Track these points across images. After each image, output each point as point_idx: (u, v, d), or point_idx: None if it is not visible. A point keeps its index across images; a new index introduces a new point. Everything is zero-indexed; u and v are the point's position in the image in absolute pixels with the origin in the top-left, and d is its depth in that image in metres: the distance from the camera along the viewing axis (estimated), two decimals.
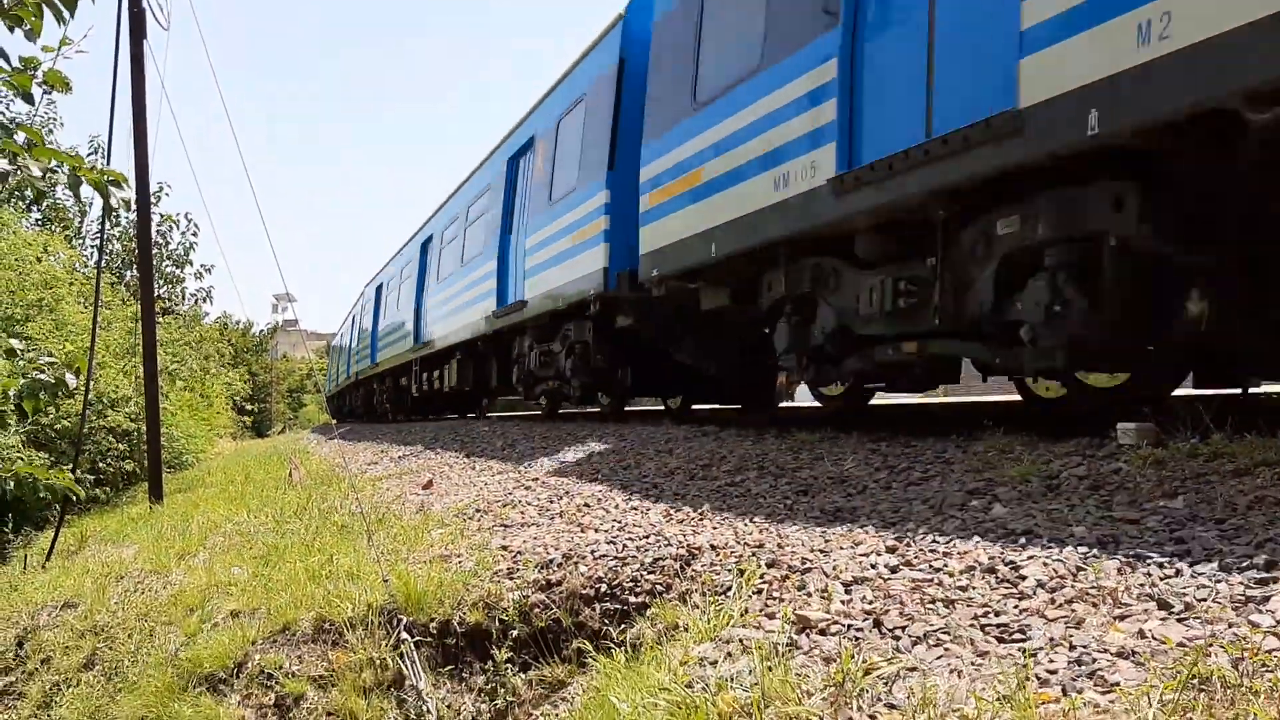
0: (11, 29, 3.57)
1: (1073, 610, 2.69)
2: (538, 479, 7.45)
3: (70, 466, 13.54)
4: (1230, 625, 2.39)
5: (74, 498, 4.81)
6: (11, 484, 4.05)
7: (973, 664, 2.55)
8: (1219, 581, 2.64)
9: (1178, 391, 6.84)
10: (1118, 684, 2.23)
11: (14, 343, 4.38)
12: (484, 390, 17.55)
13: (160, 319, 20.96)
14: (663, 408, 15.06)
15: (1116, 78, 4.05)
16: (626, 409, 13.96)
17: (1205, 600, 2.56)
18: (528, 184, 13.21)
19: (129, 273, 30.87)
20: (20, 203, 25.54)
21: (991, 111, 4.69)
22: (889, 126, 5.60)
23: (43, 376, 4.04)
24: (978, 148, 4.77)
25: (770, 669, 2.79)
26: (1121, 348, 5.02)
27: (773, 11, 6.87)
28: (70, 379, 4.10)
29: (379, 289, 27.10)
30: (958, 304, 5.46)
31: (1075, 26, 4.27)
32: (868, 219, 5.89)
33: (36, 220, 30.05)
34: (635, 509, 5.50)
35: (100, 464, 18.13)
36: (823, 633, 3.03)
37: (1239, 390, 5.64)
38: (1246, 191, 4.33)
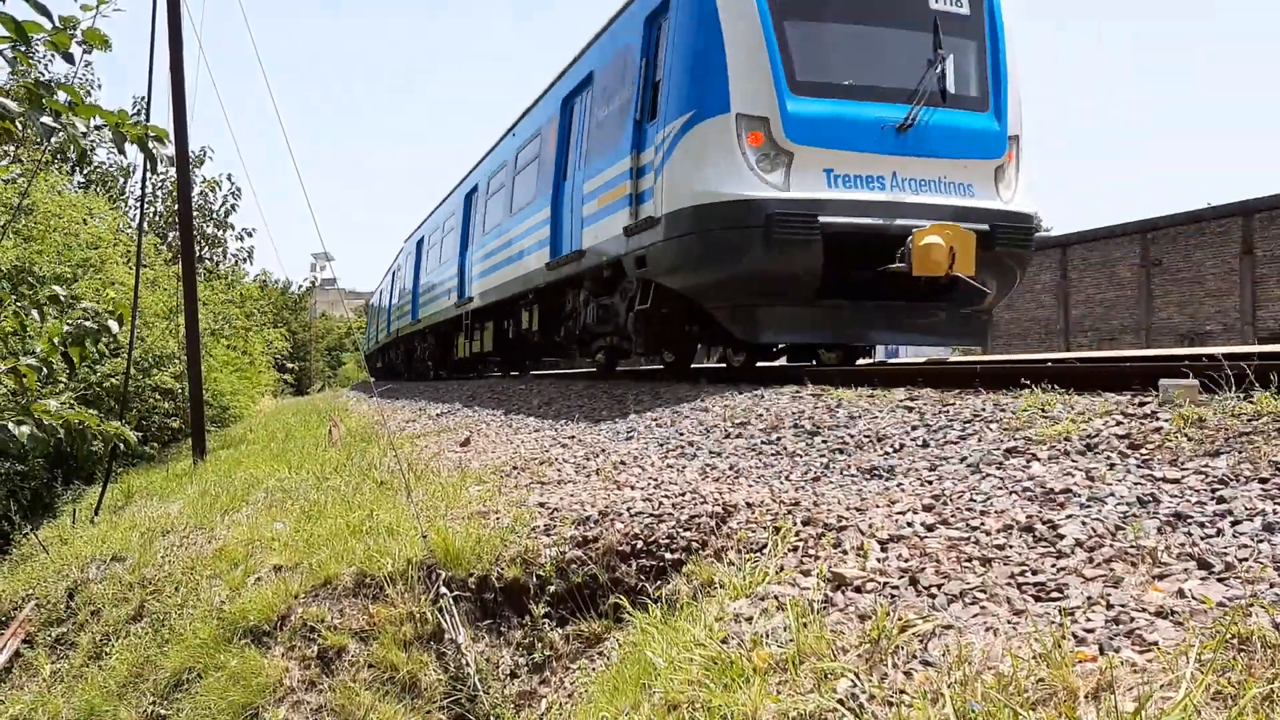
0: None
1: (1111, 569, 2.68)
2: (574, 436, 7.48)
3: (117, 423, 13.82)
4: (1272, 585, 2.36)
5: (124, 447, 4.85)
6: (62, 432, 4.06)
7: (1009, 622, 2.54)
8: (1261, 541, 2.61)
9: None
10: (1156, 643, 2.21)
11: (57, 288, 4.41)
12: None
13: (202, 277, 21.16)
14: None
15: None
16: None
17: (1247, 560, 2.53)
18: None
19: (172, 234, 31.22)
20: (64, 164, 25.82)
21: None
22: None
23: (87, 323, 4.06)
24: None
25: (805, 626, 2.81)
26: None
27: None
28: (113, 325, 4.11)
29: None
30: None
31: None
32: None
33: (80, 184, 30.41)
34: (671, 466, 5.52)
35: (145, 421, 18.43)
36: (858, 590, 3.03)
37: None
38: None
